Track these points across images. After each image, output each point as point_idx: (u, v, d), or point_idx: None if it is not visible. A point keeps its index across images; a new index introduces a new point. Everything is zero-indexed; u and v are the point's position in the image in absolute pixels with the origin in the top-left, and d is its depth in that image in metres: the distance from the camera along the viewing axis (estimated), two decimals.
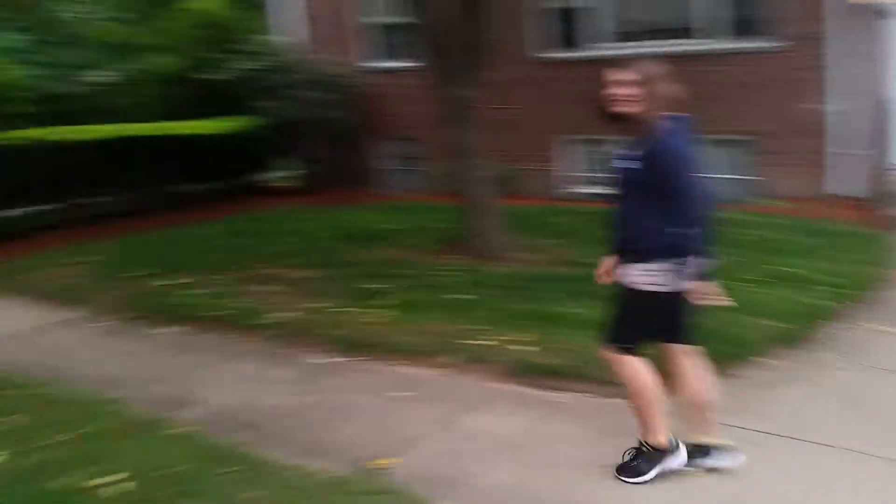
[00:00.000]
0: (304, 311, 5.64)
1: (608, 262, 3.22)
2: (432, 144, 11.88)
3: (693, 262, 2.84)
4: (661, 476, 3.08)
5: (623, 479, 3.11)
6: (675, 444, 3.12)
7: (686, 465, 3.12)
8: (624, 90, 2.89)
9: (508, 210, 7.60)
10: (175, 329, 5.55)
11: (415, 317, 5.33)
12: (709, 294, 2.93)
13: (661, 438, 3.08)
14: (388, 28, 12.38)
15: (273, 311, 5.70)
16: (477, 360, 4.59)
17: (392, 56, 12.37)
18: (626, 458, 3.16)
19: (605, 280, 3.24)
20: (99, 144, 9.62)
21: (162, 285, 6.56)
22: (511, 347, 4.65)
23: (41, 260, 7.76)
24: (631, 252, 2.99)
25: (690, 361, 3.12)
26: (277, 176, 13.77)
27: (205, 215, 10.47)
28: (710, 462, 3.13)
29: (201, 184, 11.94)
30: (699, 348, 3.16)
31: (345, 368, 4.63)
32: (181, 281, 6.69)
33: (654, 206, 2.87)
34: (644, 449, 3.11)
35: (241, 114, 12.72)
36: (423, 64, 7.86)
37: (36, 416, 3.85)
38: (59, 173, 9.34)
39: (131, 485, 3.12)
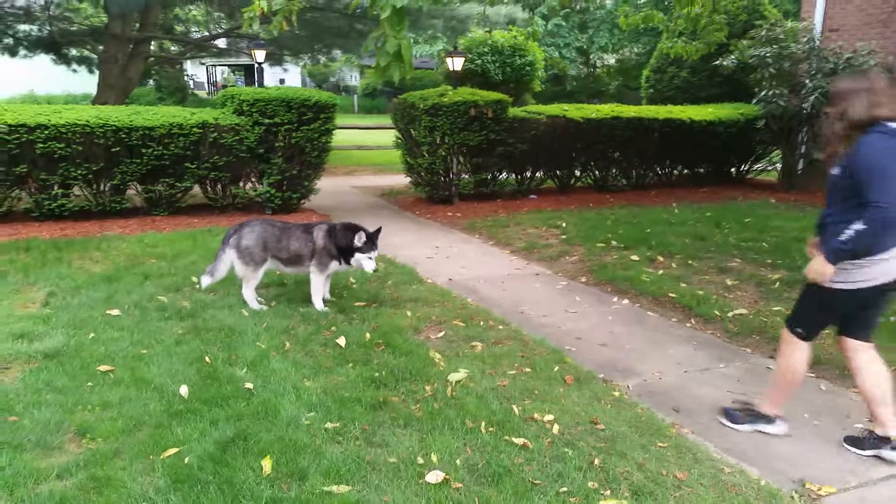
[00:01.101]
0: (763, 313, 5.37)
1: None
2: None
3: None
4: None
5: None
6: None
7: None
8: None
9: None
10: (627, 302, 5.80)
11: (892, 345, 4.59)
12: None
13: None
14: None
15: (730, 305, 5.55)
16: None
17: None
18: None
19: None
20: (596, 123, 10.42)
21: (619, 259, 6.93)
22: None
23: (520, 218, 8.87)
24: None
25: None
26: (765, 168, 13.02)
27: (679, 198, 10.59)
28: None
29: (684, 168, 12.04)
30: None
31: None
32: (637, 257, 6.96)
33: None
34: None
35: (739, 101, 12.34)
36: None
37: (494, 348, 4.48)
38: (554, 146, 10.42)
39: (555, 428, 3.42)
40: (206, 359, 4.09)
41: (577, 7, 35.16)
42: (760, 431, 3.55)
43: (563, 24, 34.08)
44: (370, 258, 5.06)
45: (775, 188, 12.06)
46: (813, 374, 4.33)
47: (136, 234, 7.47)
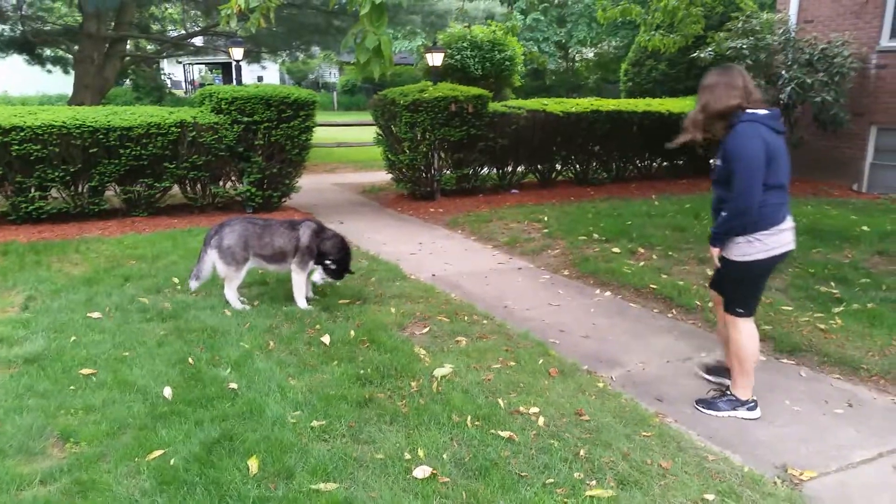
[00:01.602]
0: None
1: None
2: None
3: None
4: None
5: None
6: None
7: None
8: None
9: None
10: (609, 294, 5.85)
11: (870, 331, 4.72)
12: None
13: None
14: None
15: (710, 295, 5.60)
16: None
17: None
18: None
19: None
20: (575, 117, 10.45)
21: (601, 251, 6.97)
22: None
23: (502, 213, 8.89)
24: None
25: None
26: None
27: (659, 190, 10.68)
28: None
29: (663, 160, 12.12)
30: None
31: (771, 367, 4.30)
32: (619, 250, 7.01)
33: None
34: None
35: None
36: None
37: (479, 343, 4.50)
38: (535, 140, 10.44)
39: (541, 420, 3.45)
40: (190, 360, 4.07)
41: (556, 1, 35.27)
42: (738, 418, 3.66)
43: (542, 18, 34.15)
44: (324, 278, 5.19)
45: None
46: (793, 362, 4.40)
47: (116, 235, 7.40)
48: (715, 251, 3.61)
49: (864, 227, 7.57)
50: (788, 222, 3.54)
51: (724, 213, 3.48)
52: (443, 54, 10.94)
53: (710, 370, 4.09)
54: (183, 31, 19.69)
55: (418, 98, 9.30)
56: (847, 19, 11.24)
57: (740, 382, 3.71)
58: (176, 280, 5.64)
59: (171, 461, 2.99)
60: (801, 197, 10.16)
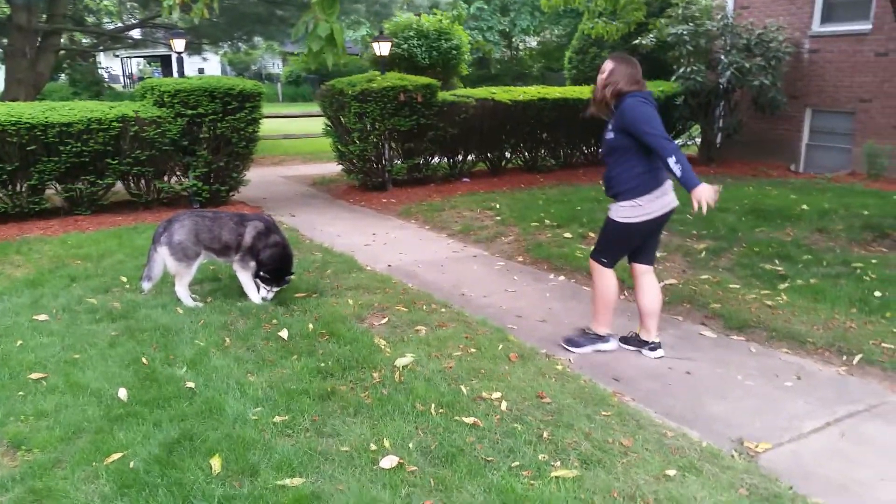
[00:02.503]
0: (691, 282, 5.58)
1: None
2: (874, 120, 10.40)
3: None
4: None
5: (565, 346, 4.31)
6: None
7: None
8: None
9: None
10: (563, 278, 5.93)
11: (814, 306, 4.91)
12: None
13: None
14: None
15: (660, 275, 5.72)
16: (875, 364, 4.07)
17: (838, 19, 11.03)
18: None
19: None
20: (523, 105, 10.52)
21: (553, 237, 7.06)
22: None
23: (454, 202, 8.92)
24: None
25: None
26: (685, 143, 13.46)
27: (601, 176, 10.83)
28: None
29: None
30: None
31: (722, 344, 4.44)
32: (570, 235, 7.11)
33: None
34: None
35: (659, 79, 12.67)
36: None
37: (438, 331, 4.51)
38: (484, 128, 10.48)
39: (503, 405, 3.48)
40: (144, 360, 3.97)
41: None
42: (599, 350, 4.28)
43: (485, 7, 34.16)
44: (267, 290, 5.01)
45: (696, 161, 12.48)
46: (743, 338, 4.54)
47: (59, 235, 7.15)
48: (697, 191, 3.63)
49: (804, 206, 7.85)
50: (668, 185, 3.97)
51: (674, 166, 3.68)
52: (390, 44, 10.86)
53: (626, 341, 4.40)
54: (120, 24, 19.05)
55: (367, 88, 9.23)
56: (781, 5, 11.59)
57: (601, 321, 4.26)
58: (124, 279, 5.49)
59: (131, 464, 2.92)
60: (741, 178, 10.46)
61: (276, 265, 4.98)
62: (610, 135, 4.03)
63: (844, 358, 4.18)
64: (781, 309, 4.89)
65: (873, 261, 5.91)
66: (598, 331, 4.30)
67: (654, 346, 4.26)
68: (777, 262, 5.97)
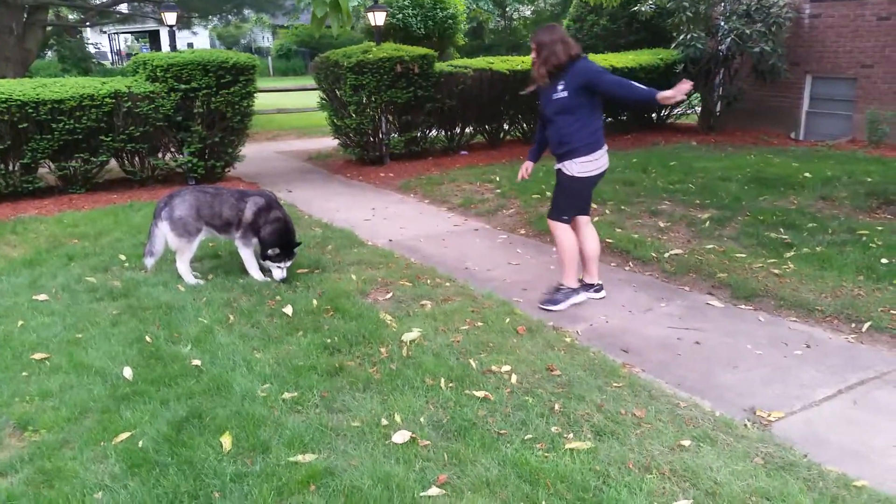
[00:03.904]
0: (697, 251, 5.54)
1: None
2: (875, 86, 10.30)
3: None
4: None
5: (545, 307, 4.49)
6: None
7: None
8: None
9: None
10: None
11: (821, 274, 4.87)
12: None
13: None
14: None
15: (665, 246, 5.70)
16: (884, 331, 4.05)
17: None
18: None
19: None
20: (522, 75, 10.36)
21: None
22: None
23: (453, 175, 8.83)
24: None
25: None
26: (685, 112, 13.36)
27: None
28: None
29: (608, 116, 12.18)
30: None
31: (730, 314, 4.42)
32: (595, 218, 7.03)
33: None
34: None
35: (658, 46, 12.52)
36: None
37: (444, 305, 4.47)
38: (482, 99, 10.35)
39: (513, 378, 3.45)
40: (147, 338, 3.92)
41: None
42: (575, 303, 4.52)
43: None
44: (280, 267, 4.92)
45: (696, 131, 12.39)
46: (751, 307, 4.51)
47: (54, 214, 7.06)
48: (665, 94, 3.96)
49: (807, 174, 7.79)
50: (604, 150, 4.40)
51: (641, 93, 4.07)
52: (385, 13, 10.66)
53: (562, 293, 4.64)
54: None
55: (363, 59, 9.08)
56: None
57: (570, 275, 4.52)
58: (123, 257, 5.42)
59: (140, 443, 2.88)
60: (742, 146, 10.39)
61: (278, 240, 4.90)
62: (562, 94, 4.24)
63: (853, 325, 4.15)
64: (788, 277, 4.86)
65: (879, 228, 5.87)
66: (571, 284, 4.56)
67: (598, 288, 4.69)
68: (782, 230, 5.93)
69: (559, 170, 4.43)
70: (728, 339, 4.03)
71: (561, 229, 4.50)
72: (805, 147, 10.36)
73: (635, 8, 12.09)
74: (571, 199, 4.46)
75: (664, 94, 3.95)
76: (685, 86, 3.84)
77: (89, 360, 3.65)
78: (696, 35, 11.15)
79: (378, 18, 10.33)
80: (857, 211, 6.52)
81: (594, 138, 4.31)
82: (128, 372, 3.51)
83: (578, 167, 4.32)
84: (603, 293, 4.69)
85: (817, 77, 11.33)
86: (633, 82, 4.14)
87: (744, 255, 5.37)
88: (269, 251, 4.89)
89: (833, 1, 10.87)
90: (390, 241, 6.16)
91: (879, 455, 2.88)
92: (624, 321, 4.35)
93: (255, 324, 4.17)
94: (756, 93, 11.77)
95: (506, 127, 11.21)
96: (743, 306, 4.54)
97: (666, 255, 5.49)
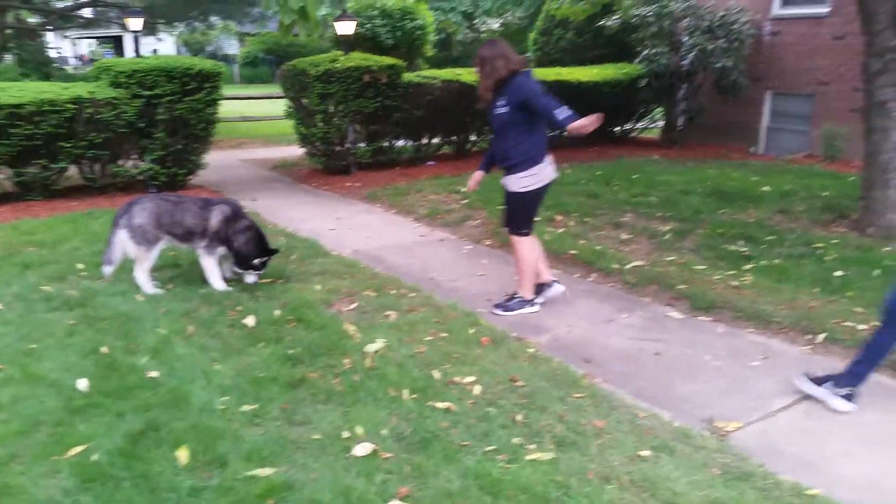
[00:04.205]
0: (658, 263, 5.62)
1: None
2: (831, 103, 10.59)
3: None
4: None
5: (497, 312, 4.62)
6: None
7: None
8: None
9: None
10: None
11: (778, 286, 4.98)
12: None
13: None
14: None
15: (627, 258, 5.77)
16: (838, 342, 4.15)
17: (797, 2, 11.18)
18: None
19: None
20: None
21: None
22: None
23: (420, 185, 8.83)
24: None
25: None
26: (647, 126, 13.56)
27: (569, 158, 10.85)
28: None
29: None
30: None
31: (689, 325, 4.49)
32: (539, 217, 7.07)
33: None
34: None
35: (623, 61, 12.69)
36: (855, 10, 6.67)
37: (408, 316, 4.46)
38: (450, 110, 10.38)
39: (477, 388, 3.45)
40: (104, 349, 3.84)
41: None
42: (529, 313, 4.62)
43: None
44: (257, 274, 5.00)
45: (658, 145, 12.57)
46: (710, 319, 4.59)
47: (10, 221, 6.88)
48: (578, 124, 4.00)
49: (765, 188, 7.96)
50: (548, 158, 4.46)
51: (565, 112, 4.09)
52: (354, 23, 10.65)
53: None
54: (70, 2, 18.38)
55: (330, 68, 9.05)
56: None
57: (526, 286, 4.62)
58: (81, 266, 5.30)
59: (94, 457, 2.81)
60: (703, 160, 10.57)
61: (256, 248, 4.90)
62: (503, 110, 4.34)
63: (809, 337, 4.25)
64: (746, 289, 4.96)
65: (833, 241, 6.03)
66: (527, 295, 4.68)
67: (552, 283, 4.83)
68: (741, 243, 6.05)
69: (504, 185, 4.54)
70: (687, 350, 4.09)
71: (522, 243, 4.59)
72: (764, 161, 10.59)
73: (601, 23, 12.26)
74: (525, 213, 4.55)
75: (574, 125, 3.99)
76: (595, 118, 3.95)
77: (43, 371, 3.56)
78: (659, 50, 11.35)
79: (346, 28, 10.31)
80: (813, 224, 6.69)
81: (534, 153, 4.38)
82: (83, 383, 3.43)
83: (519, 182, 4.43)
84: (537, 308, 4.71)
85: (777, 93, 11.62)
86: (559, 109, 4.10)
87: (703, 268, 5.46)
88: (256, 261, 4.90)
89: (792, 20, 11.17)
90: (356, 251, 6.13)
91: (831, 464, 2.95)
92: (586, 332, 4.39)
93: (214, 335, 4.11)
94: (718, 108, 12.01)
95: (473, 138, 11.25)
96: (702, 318, 4.61)
97: (628, 266, 5.55)
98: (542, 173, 4.43)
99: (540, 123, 4.40)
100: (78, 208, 7.52)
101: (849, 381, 3.37)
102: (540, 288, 4.76)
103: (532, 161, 4.38)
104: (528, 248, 4.60)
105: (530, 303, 4.68)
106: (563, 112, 4.08)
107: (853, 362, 3.39)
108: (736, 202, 7.43)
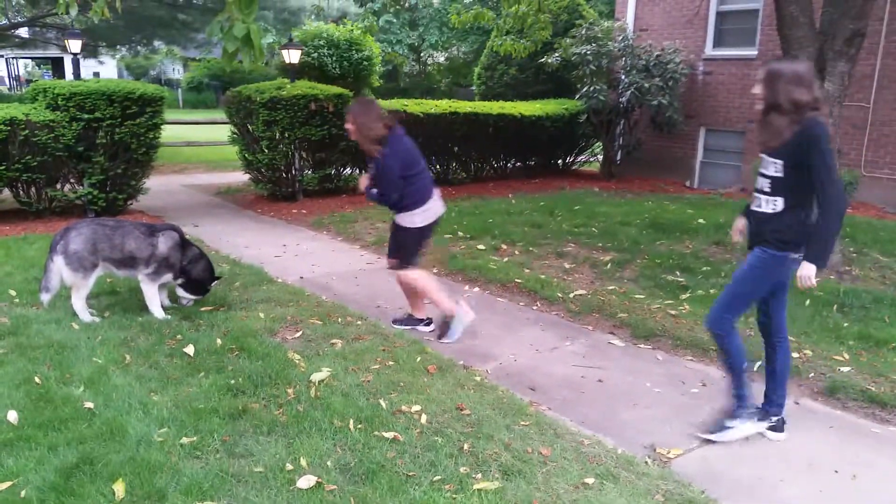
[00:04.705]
0: (599, 292, 5.74)
1: None
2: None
3: None
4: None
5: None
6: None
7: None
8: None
9: (847, 220, 6.80)
10: (477, 289, 5.97)
11: None
12: None
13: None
14: (729, 15, 11.73)
15: (570, 287, 5.87)
16: None
17: (728, 44, 11.72)
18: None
19: None
20: (435, 118, 10.57)
21: (467, 249, 7.11)
22: (821, 363, 4.32)
23: (367, 213, 8.83)
24: None
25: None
26: (587, 160, 13.91)
27: (515, 189, 11.04)
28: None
29: (517, 161, 12.55)
30: None
31: (631, 352, 4.59)
32: (483, 247, 7.18)
33: None
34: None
35: (563, 96, 13.04)
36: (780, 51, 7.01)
37: (355, 344, 4.44)
38: None
39: (423, 418, 3.45)
40: (36, 379, 3.69)
41: (406, 4, 35.50)
42: (418, 330, 4.85)
43: (394, 20, 34.25)
44: (191, 298, 5.08)
45: (597, 177, 12.90)
46: (650, 346, 4.70)
47: None
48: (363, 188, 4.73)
49: (701, 220, 8.24)
50: (435, 198, 4.72)
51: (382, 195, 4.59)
52: (300, 51, 10.68)
53: (400, 321, 4.99)
54: (5, 21, 17.87)
55: (276, 95, 9.03)
56: (677, 28, 12.20)
57: (442, 302, 4.71)
58: (13, 293, 5.11)
59: (23, 493, 2.69)
60: (641, 193, 10.90)
61: (208, 275, 4.99)
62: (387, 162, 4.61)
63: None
64: (684, 318, 5.10)
65: None
66: (419, 315, 4.96)
67: (428, 322, 4.97)
68: (678, 273, 6.23)
69: (395, 222, 4.73)
70: (629, 377, 4.18)
71: (409, 275, 4.75)
72: (699, 195, 10.97)
73: (542, 59, 12.58)
74: (411, 247, 4.72)
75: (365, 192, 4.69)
76: (365, 182, 4.68)
77: None
78: (598, 87, 11.70)
79: (292, 56, 10.34)
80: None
81: (420, 196, 4.60)
82: (13, 415, 3.29)
83: (411, 219, 4.61)
84: (432, 327, 4.92)
85: (710, 129, 12.09)
86: (392, 181, 4.51)
87: (643, 297, 5.60)
88: (210, 286, 5.01)
89: (723, 61, 11.69)
90: (301, 278, 6.07)
91: (769, 488, 3.04)
92: (531, 360, 4.44)
93: (153, 364, 4.00)
94: (654, 143, 12.42)
95: None
96: (642, 345, 4.72)
97: (571, 295, 5.65)
98: (430, 210, 4.67)
99: (419, 169, 4.70)
100: (11, 233, 7.25)
101: (773, 410, 3.51)
102: (412, 319, 4.96)
103: (419, 202, 4.61)
104: (417, 275, 4.77)
105: (425, 322, 4.93)
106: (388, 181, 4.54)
107: (770, 391, 3.54)
108: (673, 234, 7.67)
